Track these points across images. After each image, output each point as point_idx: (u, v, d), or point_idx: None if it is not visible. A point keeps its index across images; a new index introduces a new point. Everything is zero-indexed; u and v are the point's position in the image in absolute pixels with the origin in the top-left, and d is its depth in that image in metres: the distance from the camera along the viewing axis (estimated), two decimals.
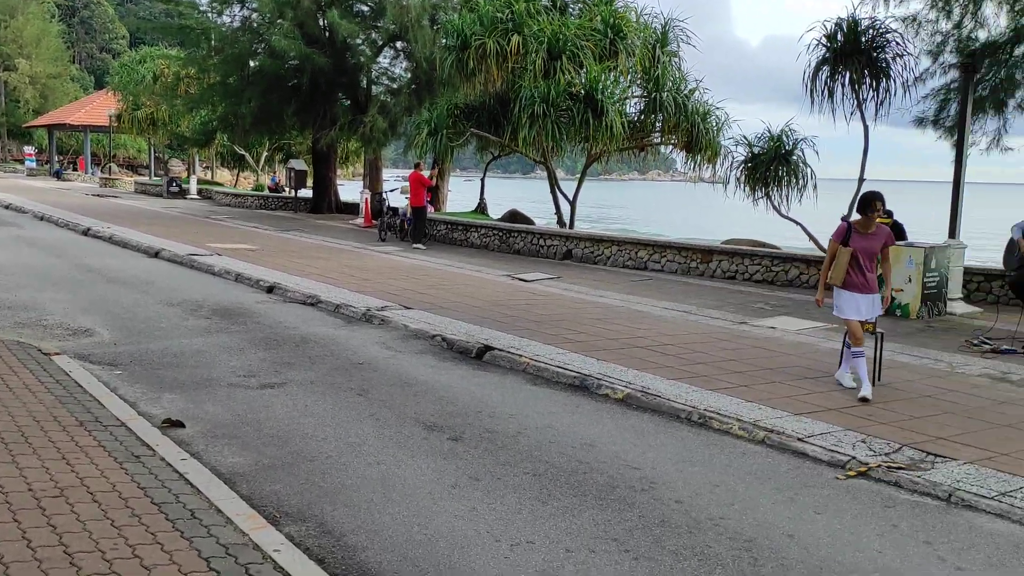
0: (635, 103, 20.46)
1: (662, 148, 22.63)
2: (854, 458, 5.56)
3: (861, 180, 17.64)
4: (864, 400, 7.02)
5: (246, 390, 6.87)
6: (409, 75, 25.86)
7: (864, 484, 5.23)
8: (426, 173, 21.10)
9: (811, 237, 18.30)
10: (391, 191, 22.63)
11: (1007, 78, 15.31)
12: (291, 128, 26.90)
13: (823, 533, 4.43)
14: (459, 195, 40.61)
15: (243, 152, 40.14)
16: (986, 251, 20.29)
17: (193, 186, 36.63)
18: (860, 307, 7.37)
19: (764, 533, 4.39)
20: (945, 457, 5.63)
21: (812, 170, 17.97)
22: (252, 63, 24.34)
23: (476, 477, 5.08)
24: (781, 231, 19.67)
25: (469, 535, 4.25)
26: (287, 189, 32.94)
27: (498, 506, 4.64)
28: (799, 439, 5.93)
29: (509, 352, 8.34)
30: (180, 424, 5.81)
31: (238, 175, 45.71)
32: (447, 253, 18.45)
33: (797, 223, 18.17)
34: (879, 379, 7.83)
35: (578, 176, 22.47)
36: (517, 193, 60.23)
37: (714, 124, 20.33)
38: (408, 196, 19.88)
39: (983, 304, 12.48)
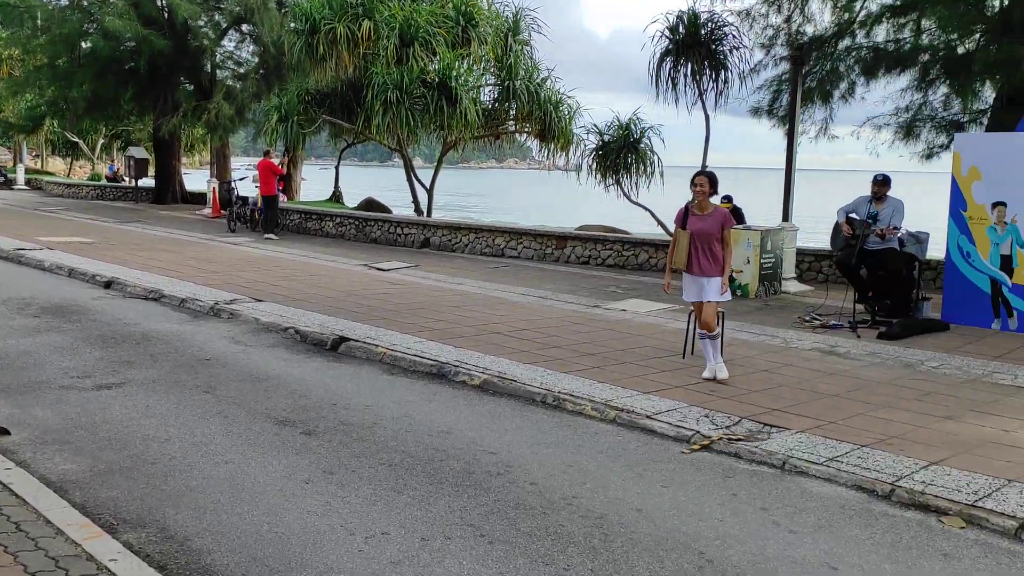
0: (489, 91, 20.57)
1: (517, 136, 22.86)
2: (698, 432, 5.82)
3: (703, 167, 18.49)
4: (707, 379, 7.24)
5: (80, 392, 6.46)
6: (257, 59, 24.98)
7: (707, 457, 5.48)
8: (276, 160, 20.46)
9: (659, 222, 18.99)
10: (241, 180, 21.84)
11: (832, 70, 16.33)
12: (129, 114, 25.48)
13: (669, 506, 4.61)
14: (314, 183, 39.71)
15: (76, 139, 37.63)
16: (816, 233, 21.66)
17: (20, 176, 34.05)
18: (700, 289, 7.40)
19: (615, 509, 4.53)
20: (780, 427, 5.98)
21: (659, 157, 18.67)
22: (84, 44, 22.80)
23: (330, 471, 4.98)
24: (632, 217, 20.34)
25: (323, 530, 4.16)
26: (127, 179, 31.18)
27: (353, 499, 4.57)
28: (647, 416, 6.14)
29: (365, 343, 8.22)
30: (4, 431, 5.39)
31: (72, 164, 42.80)
32: (301, 243, 17.98)
33: (646, 208, 18.81)
34: (721, 355, 8.22)
35: (435, 164, 22.41)
36: (374, 181, 59.51)
37: (566, 113, 20.72)
38: (258, 185, 19.23)
39: (814, 283, 13.36)
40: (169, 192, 27.10)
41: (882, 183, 10.03)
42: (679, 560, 3.97)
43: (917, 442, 5.75)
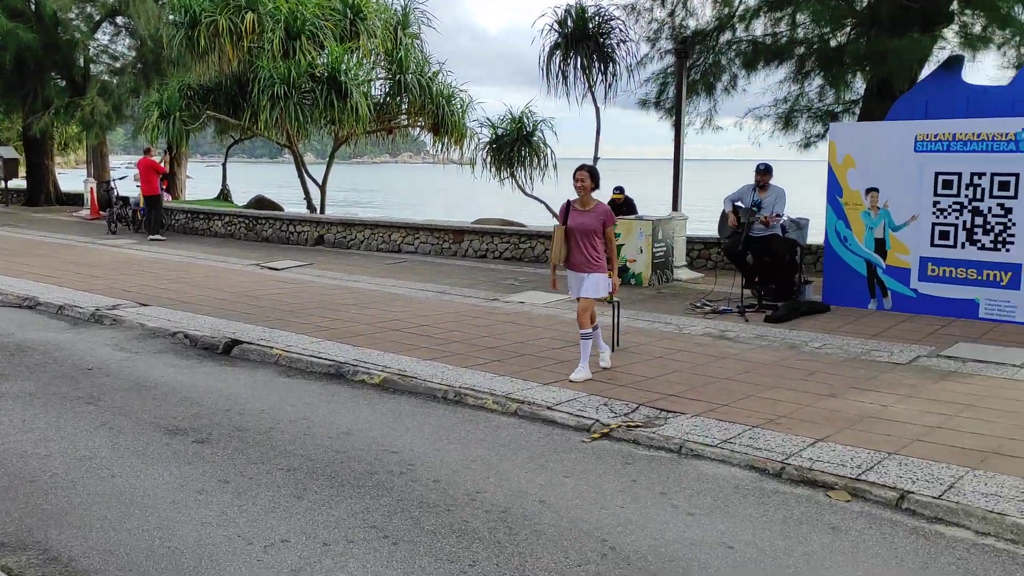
0: (380, 85, 20.32)
1: (410, 130, 22.67)
2: (597, 421, 5.91)
3: (595, 159, 18.76)
4: (573, 381, 6.91)
5: None
6: (134, 54, 23.90)
7: (607, 445, 5.57)
8: (158, 158, 19.67)
9: (554, 214, 19.19)
10: (120, 179, 20.92)
11: (715, 63, 16.82)
12: None
13: (572, 495, 4.67)
14: (200, 182, 38.39)
15: None
16: (705, 222, 22.31)
17: None
18: (580, 286, 7.20)
19: (518, 502, 4.55)
20: (676, 412, 6.14)
21: (552, 150, 18.87)
22: None
23: (225, 479, 4.82)
24: (528, 209, 20.44)
25: (218, 541, 4.02)
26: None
27: (250, 507, 4.43)
28: (548, 408, 6.20)
29: (259, 345, 8.00)
30: None
31: None
32: (188, 244, 17.34)
33: (540, 201, 18.98)
34: (618, 344, 8.39)
35: (327, 159, 21.99)
36: (264, 178, 57.94)
37: (459, 106, 20.66)
38: (140, 184, 18.43)
39: (704, 270, 13.77)
40: (42, 193, 25.67)
41: (764, 172, 10.41)
42: (583, 549, 4.02)
43: (804, 420, 6.00)
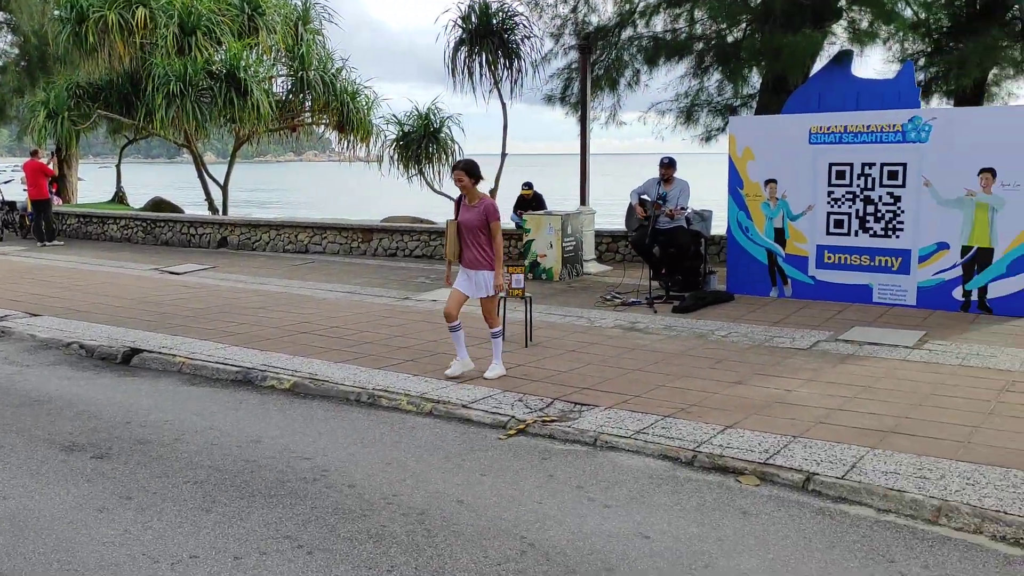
0: (283, 82, 19.86)
1: (315, 128, 22.24)
2: (513, 417, 5.91)
3: (503, 155, 18.81)
4: (449, 377, 6.87)
5: None
6: (17, 51, 22.70)
7: (524, 441, 5.57)
8: (46, 160, 18.74)
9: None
10: (6, 183, 19.84)
11: (617, 59, 17.06)
12: None
13: (490, 494, 4.65)
14: (94, 184, 36.82)
15: None
16: (613, 216, 22.66)
17: None
18: (472, 284, 7.01)
19: (436, 503, 4.50)
20: (590, 405, 6.19)
21: (460, 147, 18.81)
22: None
23: (128, 496, 4.62)
24: (440, 207, 20.27)
25: (121, 561, 3.84)
26: None
27: (155, 524, 4.26)
28: (463, 406, 6.17)
29: (161, 353, 7.71)
30: None
31: None
32: (81, 249, 16.59)
33: (449, 197, 18.89)
34: (531, 340, 8.43)
35: (228, 159, 21.37)
36: (162, 179, 56.01)
37: (364, 103, 20.38)
38: (27, 188, 17.51)
39: (613, 263, 13.96)
40: None
41: (668, 165, 10.62)
42: (502, 547, 4.01)
43: (713, 408, 6.15)
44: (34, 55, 21.07)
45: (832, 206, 10.38)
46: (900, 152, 9.90)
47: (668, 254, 10.87)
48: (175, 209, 20.75)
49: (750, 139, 10.86)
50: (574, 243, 12.67)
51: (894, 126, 9.89)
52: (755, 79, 14.04)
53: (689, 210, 11.31)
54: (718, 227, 12.17)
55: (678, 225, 10.68)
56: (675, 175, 10.73)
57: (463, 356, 7.10)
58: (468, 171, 6.88)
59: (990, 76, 14.90)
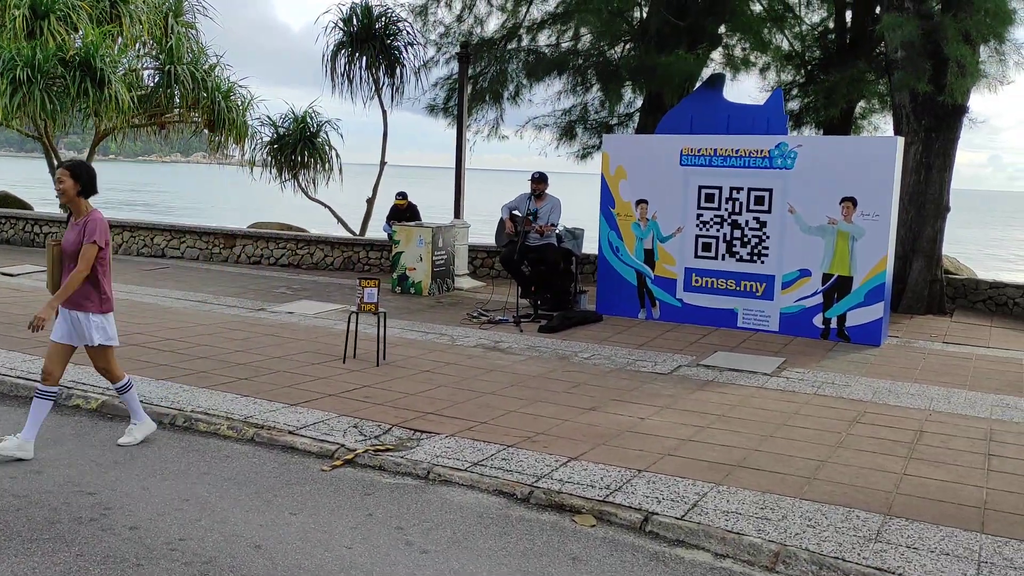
0: (150, 75, 18.68)
1: (185, 126, 21.05)
2: (342, 446, 5.40)
3: (383, 163, 18.28)
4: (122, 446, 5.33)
5: None
6: None
7: (349, 473, 5.07)
8: None
9: (339, 219, 18.49)
10: None
11: (501, 72, 16.80)
12: None
13: (295, 537, 4.12)
14: None
15: None
16: (490, 230, 22.35)
17: None
18: (70, 328, 5.23)
19: (229, 549, 3.95)
20: (431, 433, 5.74)
21: (337, 152, 18.15)
22: None
23: None
24: (324, 215, 19.38)
25: None
26: None
27: None
28: (290, 432, 5.61)
29: None
30: None
31: None
32: None
33: (325, 205, 18.21)
34: (384, 358, 7.92)
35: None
36: (12, 175, 52.52)
37: (239, 103, 19.42)
38: None
39: (487, 279, 13.60)
40: None
41: (539, 180, 10.34)
42: None
43: (561, 436, 5.80)
44: None
45: (701, 229, 10.31)
46: (767, 178, 9.91)
47: (538, 271, 10.58)
48: (23, 205, 19.22)
49: (623, 158, 10.70)
50: (445, 257, 12.23)
51: (762, 151, 9.90)
52: (636, 99, 14.00)
53: (561, 227, 11.06)
54: (590, 246, 11.98)
55: (548, 242, 10.40)
56: (547, 191, 10.45)
57: (140, 418, 5.46)
58: (74, 173, 5.16)
59: (858, 109, 15.37)
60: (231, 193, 48.71)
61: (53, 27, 15.28)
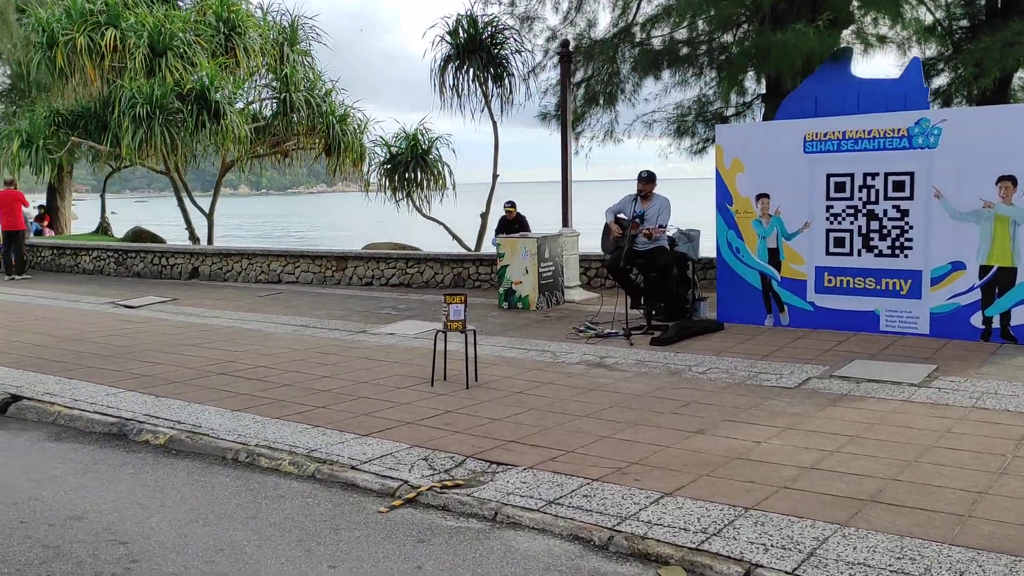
0: (267, 105, 19.08)
1: (307, 153, 21.40)
2: (406, 483, 4.82)
3: (495, 176, 17.84)
4: None
5: None
6: (9, 81, 22.29)
7: (408, 515, 4.48)
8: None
9: (454, 236, 18.20)
10: None
11: (614, 72, 16.04)
12: None
13: None
14: (119, 218, 36.38)
15: None
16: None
17: None
18: None
19: None
20: (508, 465, 5.09)
21: (450, 168, 17.88)
22: None
23: None
24: (439, 233, 19.09)
25: None
26: None
27: None
28: (352, 467, 5.09)
29: (41, 401, 6.73)
30: None
31: None
32: (48, 282, 15.82)
33: (440, 223, 17.97)
34: (475, 379, 7.36)
35: (214, 187, 20.58)
36: (165, 211, 55.75)
37: (354, 126, 19.54)
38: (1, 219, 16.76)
39: (600, 289, 12.83)
40: None
41: (647, 180, 9.53)
42: None
43: (658, 467, 5.01)
44: (21, 85, 20.56)
45: (831, 222, 9.20)
46: (907, 159, 8.72)
47: (649, 278, 9.75)
48: (155, 239, 20.01)
49: (739, 149, 9.73)
50: (553, 268, 11.57)
51: (899, 130, 8.72)
52: (756, 87, 12.90)
53: (674, 229, 10.21)
54: (709, 251, 11.02)
55: (658, 246, 9.56)
56: (655, 191, 9.63)
57: None
58: None
59: (1016, 81, 13.66)
60: (362, 216, 49.96)
61: (171, 63, 15.74)
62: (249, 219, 70.00)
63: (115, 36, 15.68)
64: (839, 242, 9.17)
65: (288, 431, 5.84)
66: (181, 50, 15.96)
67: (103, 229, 22.77)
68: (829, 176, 9.15)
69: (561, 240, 11.80)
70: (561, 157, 12.39)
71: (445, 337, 7.46)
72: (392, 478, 4.89)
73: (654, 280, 9.70)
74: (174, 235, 24.29)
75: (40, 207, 25.04)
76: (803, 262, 9.39)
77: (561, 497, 4.53)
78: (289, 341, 9.52)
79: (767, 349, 8.49)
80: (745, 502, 4.40)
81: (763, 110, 12.63)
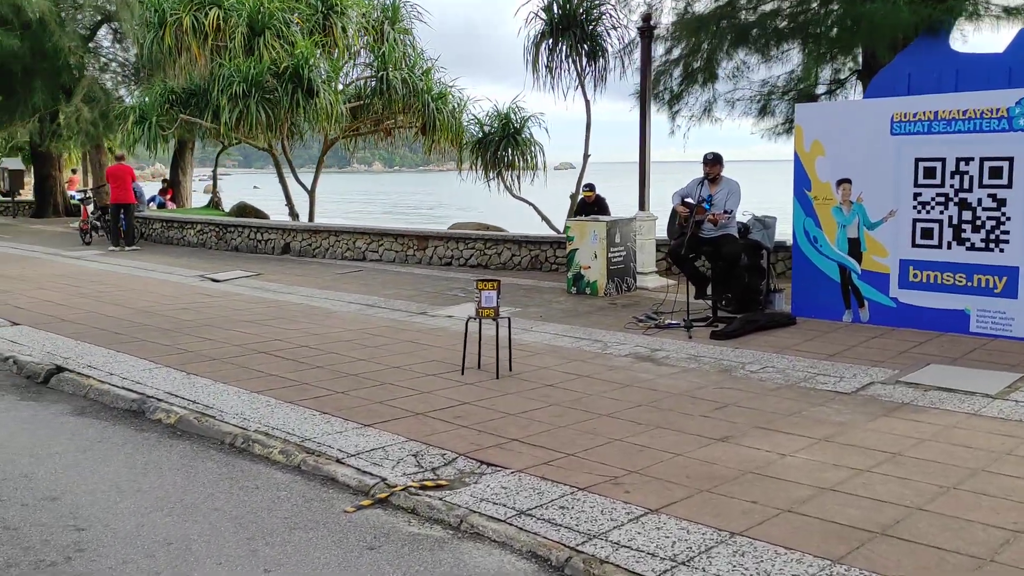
0: (364, 83, 19.23)
1: (404, 132, 21.50)
2: (383, 481, 4.61)
3: (586, 156, 17.36)
4: None
5: None
6: (127, 59, 23.43)
7: (374, 516, 4.27)
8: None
9: (543, 217, 17.87)
10: (100, 188, 20.29)
11: (713, 48, 15.23)
12: None
13: None
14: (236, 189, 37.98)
15: None
16: None
17: None
18: None
19: None
20: (498, 467, 4.80)
21: (542, 148, 17.54)
22: None
23: None
24: (528, 214, 18.85)
25: None
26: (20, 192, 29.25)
27: None
28: (338, 460, 4.93)
29: (81, 373, 6.92)
30: None
31: None
32: (154, 254, 16.56)
33: (530, 203, 17.67)
34: (510, 369, 7.10)
35: (316, 165, 20.99)
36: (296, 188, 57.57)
37: (454, 105, 19.46)
38: (110, 192, 17.66)
39: (679, 277, 12.21)
40: (50, 205, 25.43)
41: (713, 162, 8.94)
42: None
43: (658, 477, 4.62)
44: (139, 63, 21.55)
45: (919, 211, 8.38)
46: (1006, 143, 7.81)
47: (716, 267, 9.18)
48: (259, 214, 20.62)
49: (820, 130, 8.99)
50: (624, 253, 11.10)
51: (997, 110, 7.81)
52: (849, 63, 11.91)
53: (749, 216, 9.58)
54: (785, 234, 10.29)
55: (726, 233, 8.96)
56: (723, 174, 9.03)
57: None
58: None
59: None
60: (478, 195, 50.36)
61: (268, 42, 16.06)
62: (373, 195, 71.75)
63: (218, 15, 16.12)
64: (927, 233, 8.33)
65: (294, 417, 5.75)
66: (278, 29, 16.24)
67: (214, 204, 23.72)
68: (918, 160, 8.32)
69: (635, 224, 11.31)
70: (640, 137, 11.87)
71: (480, 325, 7.21)
72: (372, 475, 4.69)
73: (721, 269, 9.12)
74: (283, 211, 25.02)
75: (164, 181, 26.38)
76: (886, 254, 8.60)
77: (536, 507, 4.22)
78: (346, 320, 9.51)
79: (836, 348, 7.83)
80: (736, 526, 3.97)
81: (857, 88, 11.65)
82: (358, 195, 69.49)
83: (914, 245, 8.43)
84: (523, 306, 10.36)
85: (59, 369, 7.05)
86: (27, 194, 28.32)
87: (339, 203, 54.63)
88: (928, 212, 8.30)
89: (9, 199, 27.19)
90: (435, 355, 7.75)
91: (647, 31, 11.87)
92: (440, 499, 4.34)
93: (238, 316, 9.74)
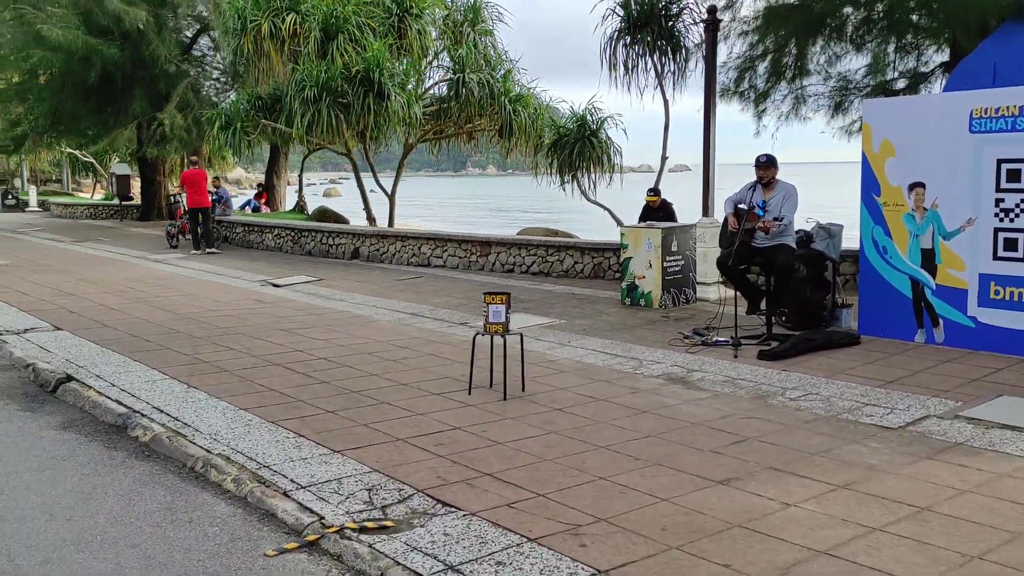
0: (441, 86, 19.03)
1: (484, 135, 21.19)
2: (321, 520, 4.20)
3: (663, 158, 16.58)
4: None
5: None
6: (221, 67, 24.09)
7: (294, 561, 3.86)
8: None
9: (618, 221, 17.16)
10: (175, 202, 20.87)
11: (803, 44, 14.21)
12: (86, 129, 24.61)
13: None
14: (315, 199, 38.69)
15: (89, 158, 37.49)
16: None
17: (33, 197, 34.12)
18: None
19: None
20: (452, 508, 4.32)
21: (619, 149, 16.89)
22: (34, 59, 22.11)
23: None
24: (602, 218, 18.25)
25: None
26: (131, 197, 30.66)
27: None
28: (284, 493, 4.55)
29: (83, 384, 6.83)
30: None
31: (95, 184, 42.80)
32: (231, 258, 16.82)
33: (604, 207, 17.03)
34: (523, 389, 6.60)
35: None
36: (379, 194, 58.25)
37: (534, 108, 19.02)
38: (187, 196, 18.07)
39: None
40: (154, 209, 26.44)
41: (766, 166, 8.16)
42: None
43: (626, 529, 4.03)
44: (232, 71, 22.10)
45: (1002, 220, 7.37)
46: None
47: (769, 280, 8.39)
48: (339, 219, 20.72)
49: (890, 128, 8.07)
50: (682, 263, 10.37)
51: None
52: (937, 54, 10.78)
53: (813, 224, 8.75)
54: (852, 240, 9.35)
55: (780, 243, 8.17)
56: (777, 177, 8.23)
57: None
58: None
59: None
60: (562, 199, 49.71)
61: (342, 46, 16.04)
62: (478, 199, 72.11)
63: (295, 20, 16.22)
64: (1011, 244, 7.32)
65: (267, 439, 5.42)
66: (352, 33, 16.21)
67: (300, 208, 24.08)
68: (1000, 162, 7.31)
69: (694, 231, 10.56)
70: (703, 136, 11.09)
71: (491, 340, 6.74)
72: (312, 511, 4.29)
73: (779, 282, 8.32)
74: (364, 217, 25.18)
75: (259, 185, 27.04)
76: (964, 268, 7.62)
77: (470, 561, 3.71)
78: (382, 330, 9.20)
79: (897, 373, 6.95)
80: None
81: (942, 81, 10.51)
82: (464, 199, 69.96)
83: (996, 258, 7.42)
84: (570, 318, 9.82)
85: (68, 378, 6.99)
86: (138, 199, 29.63)
87: (431, 207, 54.95)
88: (1012, 220, 7.28)
89: (118, 203, 28.45)
90: (453, 371, 7.32)
91: (712, 24, 11.08)
92: (370, 546, 3.89)
93: (276, 324, 9.60)
